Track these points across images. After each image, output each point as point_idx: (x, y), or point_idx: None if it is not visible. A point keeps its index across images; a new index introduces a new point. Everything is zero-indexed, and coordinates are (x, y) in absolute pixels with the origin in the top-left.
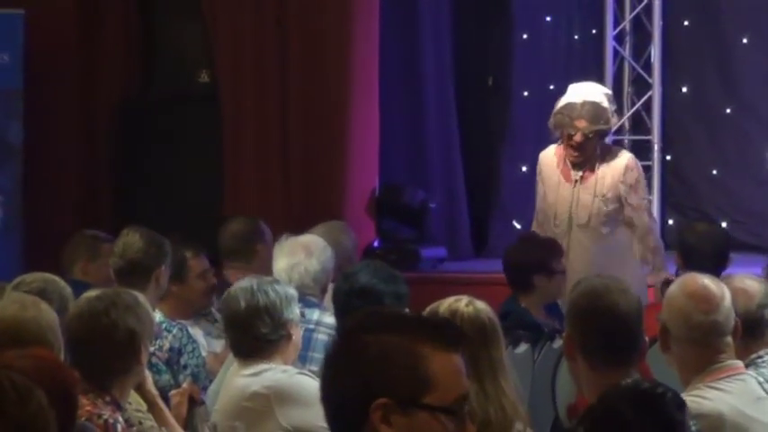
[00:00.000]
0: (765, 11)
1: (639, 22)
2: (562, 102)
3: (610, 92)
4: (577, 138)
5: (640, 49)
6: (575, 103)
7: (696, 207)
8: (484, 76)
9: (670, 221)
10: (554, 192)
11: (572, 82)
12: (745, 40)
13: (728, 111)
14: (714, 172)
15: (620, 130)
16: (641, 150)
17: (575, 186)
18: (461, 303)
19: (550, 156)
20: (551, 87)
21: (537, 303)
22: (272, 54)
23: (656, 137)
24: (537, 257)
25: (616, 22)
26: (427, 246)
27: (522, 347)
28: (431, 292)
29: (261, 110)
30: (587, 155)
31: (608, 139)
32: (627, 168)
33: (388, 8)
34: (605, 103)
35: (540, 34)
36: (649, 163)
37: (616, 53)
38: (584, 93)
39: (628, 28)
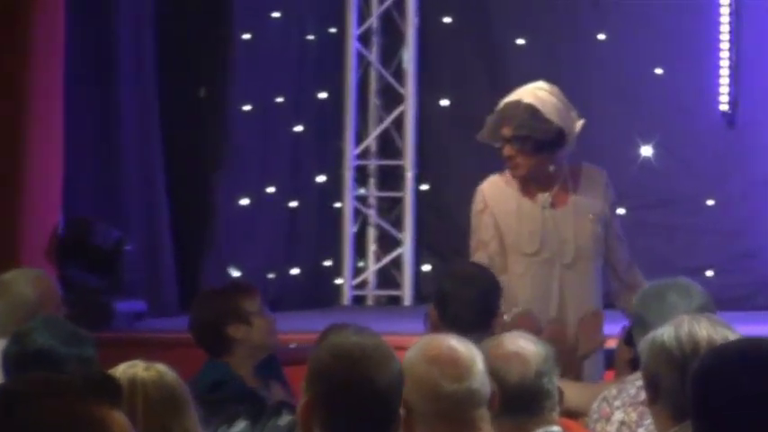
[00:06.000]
0: (543, 6)
1: (390, 20)
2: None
3: (555, 90)
4: (506, 151)
5: (390, 53)
6: (505, 105)
7: (459, 249)
8: (195, 86)
9: (425, 267)
10: (513, 217)
11: (305, 92)
12: (520, 41)
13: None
14: None
15: (364, 154)
16: (390, 178)
17: (544, 212)
18: (139, 369)
19: (500, 185)
20: (279, 100)
21: (244, 361)
22: None
23: (408, 162)
24: (226, 305)
25: (360, 20)
26: (122, 298)
27: (240, 425)
28: (127, 355)
29: None
30: (530, 170)
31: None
32: (607, 185)
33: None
34: (543, 105)
35: (266, 34)
36: (399, 194)
37: (360, 57)
38: (520, 93)
39: (375, 26)
